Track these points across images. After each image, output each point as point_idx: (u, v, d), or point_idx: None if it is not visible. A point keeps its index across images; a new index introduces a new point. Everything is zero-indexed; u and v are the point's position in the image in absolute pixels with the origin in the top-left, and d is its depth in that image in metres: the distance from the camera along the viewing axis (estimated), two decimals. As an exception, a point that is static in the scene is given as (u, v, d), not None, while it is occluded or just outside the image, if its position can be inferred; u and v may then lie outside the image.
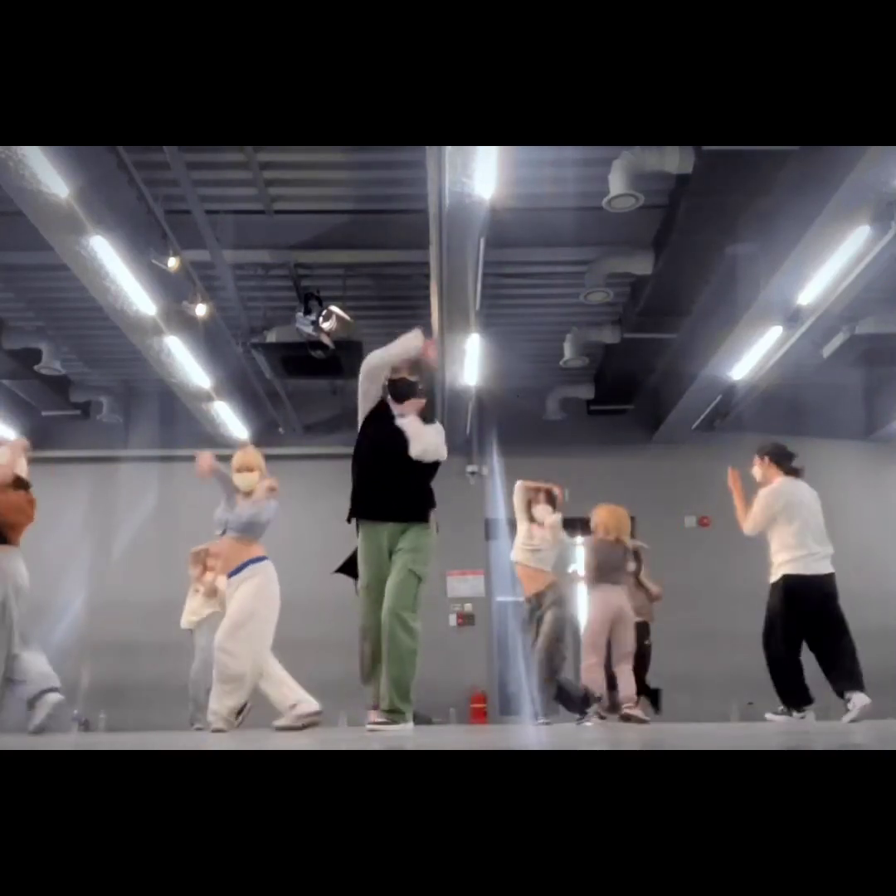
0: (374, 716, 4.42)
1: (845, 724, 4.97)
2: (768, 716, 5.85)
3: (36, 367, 9.87)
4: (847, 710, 5.40)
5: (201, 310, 8.06)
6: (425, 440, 4.53)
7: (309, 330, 8.06)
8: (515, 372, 10.93)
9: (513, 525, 7.39)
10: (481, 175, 5.88)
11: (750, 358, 9.18)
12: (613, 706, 7.15)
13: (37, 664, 5.30)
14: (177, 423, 10.94)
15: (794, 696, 5.71)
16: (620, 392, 11.30)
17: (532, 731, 5.53)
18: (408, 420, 4.58)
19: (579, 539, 8.34)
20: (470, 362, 9.12)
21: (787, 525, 5.77)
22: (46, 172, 5.90)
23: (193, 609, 8.58)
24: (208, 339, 9.02)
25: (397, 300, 9.60)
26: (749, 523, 5.92)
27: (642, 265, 8.15)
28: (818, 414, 11.05)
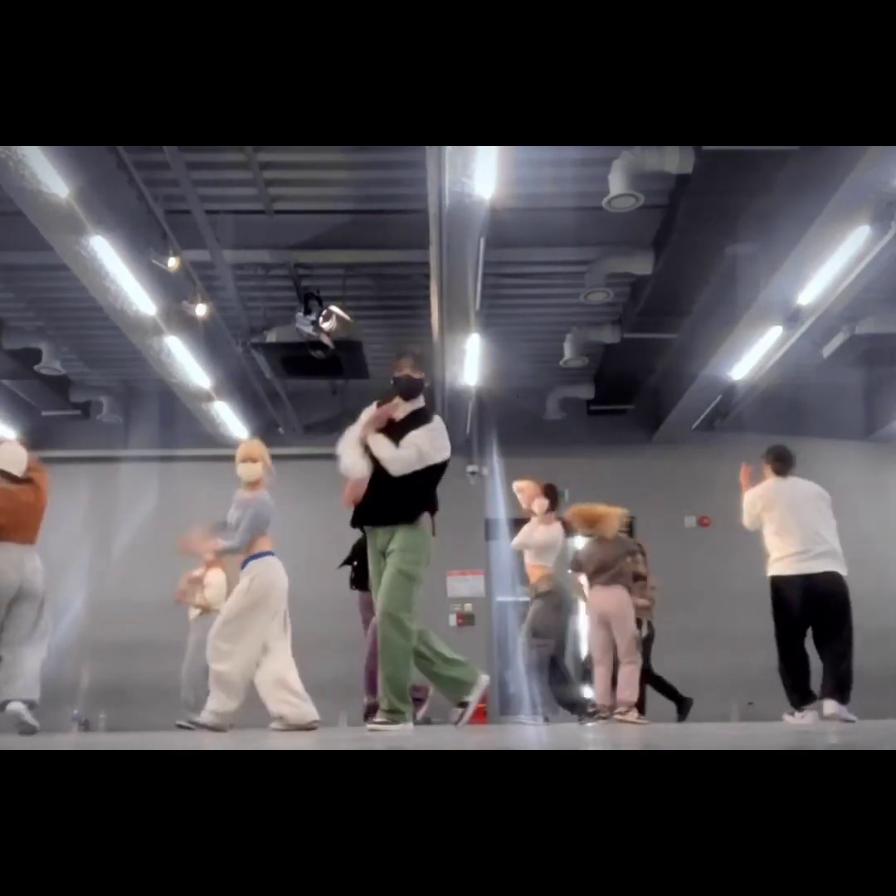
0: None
1: (844, 725, 4.96)
2: (785, 717, 5.85)
3: (36, 367, 9.86)
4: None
5: (201, 310, 8.06)
6: (397, 457, 4.53)
7: (309, 330, 8.06)
8: (515, 372, 10.93)
9: (513, 524, 7.40)
10: (481, 175, 5.88)
11: (750, 358, 9.18)
12: (613, 707, 7.14)
13: (14, 668, 5.20)
14: (177, 423, 10.95)
15: (793, 695, 5.72)
16: (620, 392, 11.30)
17: (530, 731, 5.53)
18: (375, 439, 4.60)
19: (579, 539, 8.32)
20: (470, 362, 9.12)
21: (770, 525, 5.87)
22: (46, 172, 5.90)
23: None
24: (208, 339, 9.02)
25: (397, 300, 9.60)
26: (745, 523, 6.09)
27: (642, 265, 8.15)
28: (818, 414, 11.05)
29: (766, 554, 5.92)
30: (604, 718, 6.93)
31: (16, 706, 5.08)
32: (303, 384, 10.68)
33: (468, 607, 11.59)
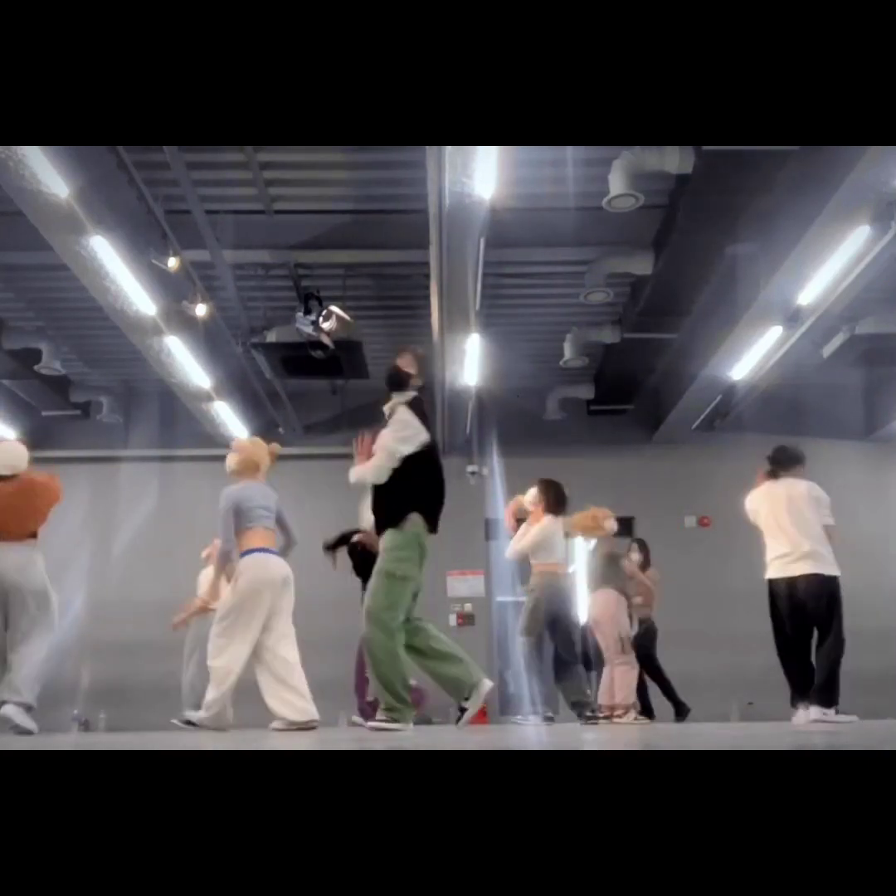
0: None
1: (843, 726, 4.96)
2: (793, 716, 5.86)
3: (36, 367, 9.86)
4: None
5: (201, 310, 8.06)
6: (368, 467, 4.52)
7: (309, 330, 8.06)
8: (515, 372, 10.93)
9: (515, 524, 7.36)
10: (481, 175, 5.88)
11: (750, 358, 9.18)
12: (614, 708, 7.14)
13: (12, 670, 5.15)
14: (177, 423, 10.95)
15: (792, 694, 5.74)
16: (620, 392, 11.30)
17: (529, 730, 5.52)
18: (354, 472, 4.62)
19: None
20: (470, 362, 9.12)
21: (762, 530, 5.93)
22: (46, 172, 5.90)
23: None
24: (208, 339, 9.02)
25: (397, 300, 9.60)
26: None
27: (642, 265, 8.15)
28: (818, 414, 11.05)
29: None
30: (605, 718, 6.92)
31: (8, 709, 5.02)
32: (303, 384, 10.68)
33: (468, 607, 11.59)
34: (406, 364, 4.74)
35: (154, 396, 11.34)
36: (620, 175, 6.59)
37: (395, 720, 4.31)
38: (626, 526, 7.99)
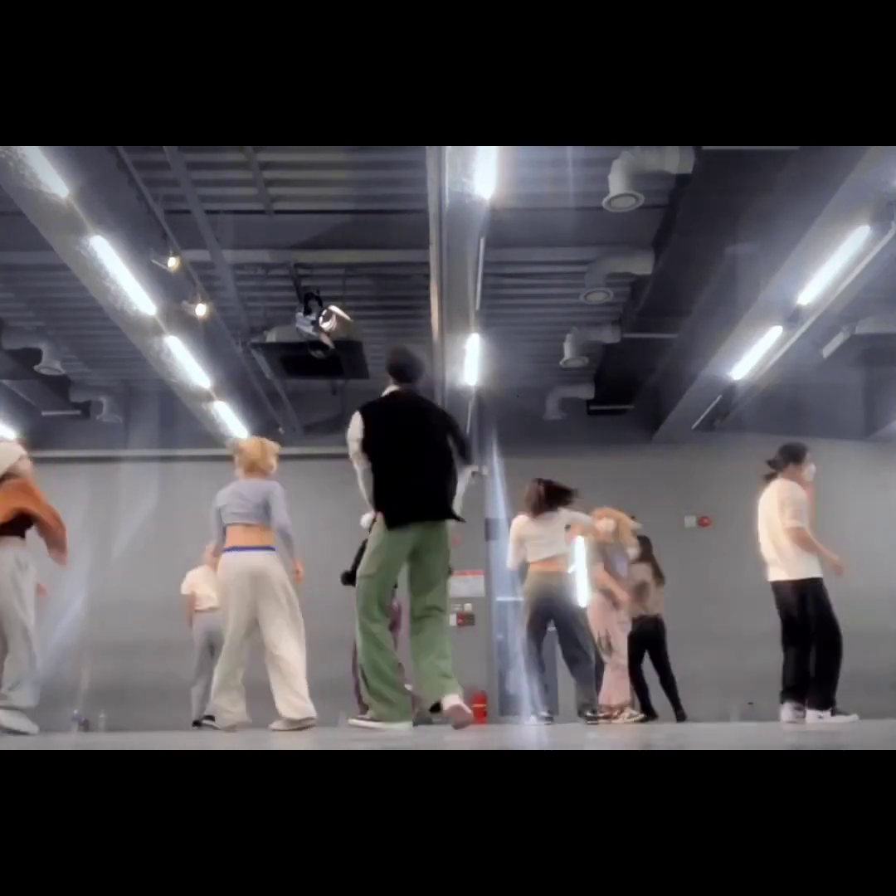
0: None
1: (840, 726, 4.96)
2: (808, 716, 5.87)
3: (36, 367, 9.87)
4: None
5: (201, 310, 8.07)
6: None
7: (309, 330, 8.07)
8: (515, 372, 10.93)
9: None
10: (481, 175, 5.88)
11: (750, 358, 9.19)
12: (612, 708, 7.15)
13: (5, 672, 5.16)
14: (177, 423, 10.95)
15: (782, 690, 5.80)
16: (620, 392, 11.30)
17: (529, 730, 5.52)
18: None
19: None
20: (470, 362, 9.12)
21: None
22: (46, 172, 5.90)
23: None
24: (208, 339, 9.02)
25: (397, 300, 9.60)
26: None
27: (642, 265, 8.16)
28: (818, 414, 11.06)
29: None
30: (604, 718, 6.93)
31: None
32: (303, 384, 10.69)
33: (468, 607, 11.59)
34: (387, 365, 4.64)
35: (154, 396, 11.35)
36: (620, 175, 6.59)
37: (380, 719, 4.27)
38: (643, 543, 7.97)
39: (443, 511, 4.32)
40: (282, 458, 5.98)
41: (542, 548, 6.83)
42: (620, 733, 4.32)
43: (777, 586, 5.73)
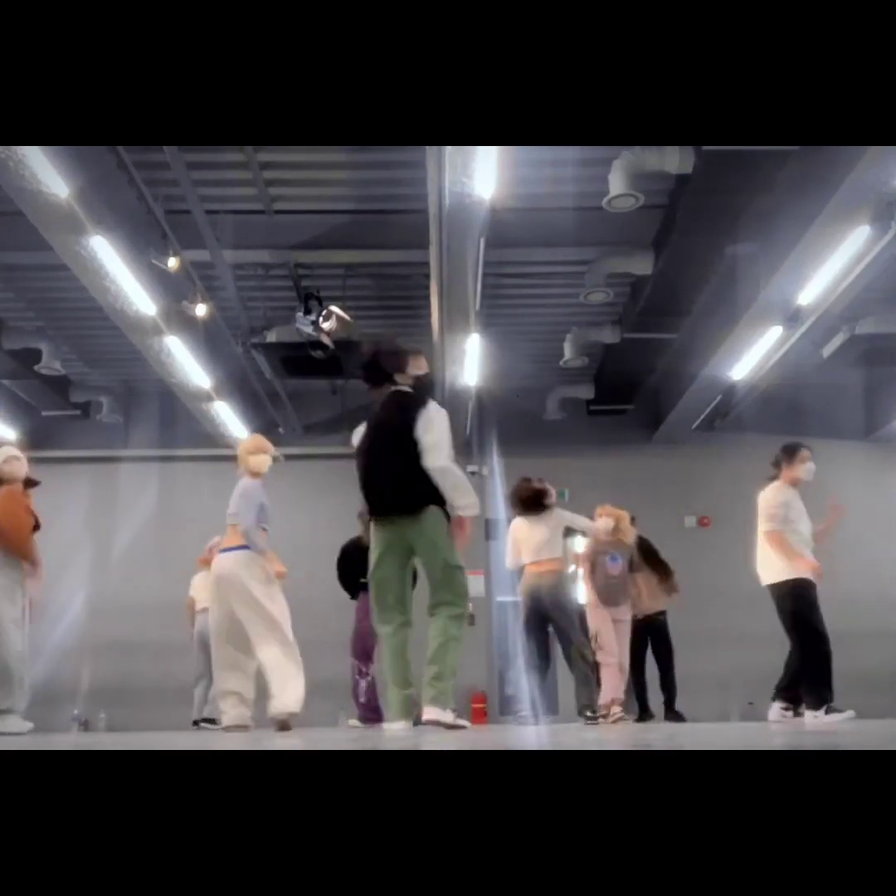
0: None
1: (835, 724, 4.96)
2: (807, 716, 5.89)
3: (36, 367, 9.87)
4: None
5: (201, 310, 8.07)
6: None
7: (309, 330, 8.07)
8: (515, 372, 10.93)
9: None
10: (481, 175, 5.88)
11: (750, 358, 9.19)
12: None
13: None
14: (177, 423, 10.95)
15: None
16: (620, 392, 11.30)
17: (529, 730, 5.52)
18: None
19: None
20: (470, 362, 9.12)
21: None
22: (46, 172, 5.90)
23: None
24: (208, 339, 9.02)
25: (397, 300, 9.60)
26: None
27: (642, 265, 8.16)
28: (818, 414, 11.06)
29: None
30: (602, 717, 6.94)
31: None
32: (303, 384, 10.69)
33: (468, 607, 11.57)
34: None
35: (154, 396, 11.34)
36: (620, 175, 6.59)
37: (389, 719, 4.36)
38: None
39: (396, 505, 4.28)
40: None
41: (535, 549, 6.85)
42: (616, 733, 4.32)
43: (768, 588, 5.79)
